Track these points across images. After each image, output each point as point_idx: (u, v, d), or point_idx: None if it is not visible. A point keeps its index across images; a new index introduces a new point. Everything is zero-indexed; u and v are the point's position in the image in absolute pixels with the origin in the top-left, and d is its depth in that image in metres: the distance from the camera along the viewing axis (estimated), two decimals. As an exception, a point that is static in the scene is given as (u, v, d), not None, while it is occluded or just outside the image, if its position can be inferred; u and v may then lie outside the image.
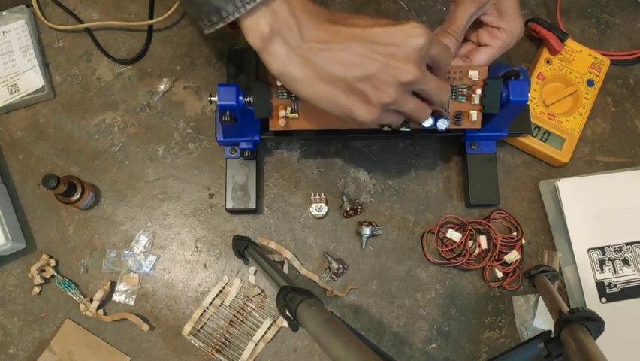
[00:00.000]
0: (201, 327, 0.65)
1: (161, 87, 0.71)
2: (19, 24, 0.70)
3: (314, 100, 0.46)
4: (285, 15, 0.43)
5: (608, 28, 0.75)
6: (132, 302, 0.66)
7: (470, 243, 0.67)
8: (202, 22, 0.46)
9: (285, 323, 0.64)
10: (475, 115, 0.57)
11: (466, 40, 0.60)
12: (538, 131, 0.68)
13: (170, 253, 0.67)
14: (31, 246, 0.67)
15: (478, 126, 0.58)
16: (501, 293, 0.67)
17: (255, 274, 0.67)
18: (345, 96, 0.45)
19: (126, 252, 0.67)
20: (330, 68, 0.44)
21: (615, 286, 0.65)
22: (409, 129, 0.56)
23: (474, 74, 0.56)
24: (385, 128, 0.57)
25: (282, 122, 0.56)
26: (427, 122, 0.54)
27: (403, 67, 0.43)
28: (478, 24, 0.59)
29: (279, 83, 0.55)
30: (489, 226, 0.67)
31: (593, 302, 0.64)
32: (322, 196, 0.68)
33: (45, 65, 0.71)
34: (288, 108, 0.56)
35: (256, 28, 0.43)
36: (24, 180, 0.69)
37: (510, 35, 0.57)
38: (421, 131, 0.57)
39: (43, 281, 0.65)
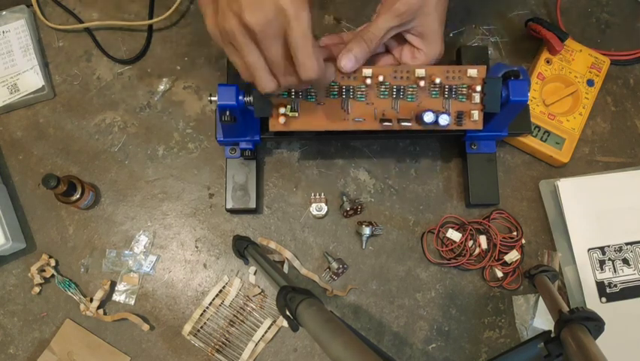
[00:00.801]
0: (201, 327, 0.65)
1: (161, 87, 0.71)
2: (19, 24, 0.70)
3: None
4: None
5: (608, 28, 0.75)
6: (132, 302, 0.66)
7: (470, 243, 0.67)
8: None
9: (285, 323, 0.64)
10: (476, 114, 0.57)
11: (388, 52, 0.61)
12: (538, 131, 0.68)
13: (170, 252, 0.67)
14: (31, 246, 0.67)
15: (480, 127, 0.58)
16: (501, 293, 0.67)
17: (255, 274, 0.67)
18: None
19: (126, 252, 0.67)
20: None
21: (615, 286, 0.65)
22: (409, 124, 0.56)
23: (473, 73, 0.56)
24: (386, 124, 0.56)
25: (281, 119, 0.56)
26: (429, 118, 0.54)
27: (252, 8, 0.42)
28: (403, 41, 0.59)
29: None
30: (489, 226, 0.67)
31: (593, 302, 0.64)
32: (322, 196, 0.68)
33: (45, 64, 0.71)
34: (288, 107, 0.56)
35: None
36: (24, 180, 0.69)
37: (429, 58, 0.58)
38: (421, 128, 0.57)
39: (43, 281, 0.65)
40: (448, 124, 0.55)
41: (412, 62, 0.58)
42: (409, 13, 0.54)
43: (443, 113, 0.55)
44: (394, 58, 0.60)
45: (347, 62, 0.55)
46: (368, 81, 0.56)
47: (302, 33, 0.43)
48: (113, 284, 0.66)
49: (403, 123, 0.56)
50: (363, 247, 0.67)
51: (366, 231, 0.66)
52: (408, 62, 0.58)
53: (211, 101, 0.55)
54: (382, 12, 0.55)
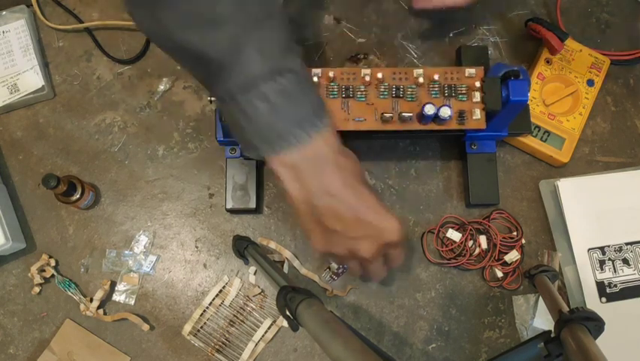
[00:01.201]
0: (201, 327, 0.65)
1: (161, 87, 0.71)
2: (19, 24, 0.70)
3: (294, 203, 0.48)
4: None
5: (608, 28, 0.75)
6: (132, 302, 0.66)
7: (470, 243, 0.67)
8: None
9: (285, 323, 0.64)
10: (478, 112, 0.57)
11: None
12: (538, 131, 0.68)
13: (170, 252, 0.67)
14: (31, 246, 0.67)
15: (483, 126, 0.58)
16: (501, 293, 0.67)
17: (255, 273, 0.67)
18: (313, 223, 0.49)
19: (126, 252, 0.67)
20: (323, 209, 0.47)
21: (615, 286, 0.65)
22: (410, 114, 0.56)
23: (471, 72, 0.56)
24: (386, 115, 0.56)
25: None
26: (430, 110, 0.54)
27: (365, 247, 0.49)
28: None
29: None
30: (489, 226, 0.67)
31: (593, 302, 0.64)
32: (322, 196, 0.67)
33: (45, 64, 0.71)
34: None
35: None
36: (24, 180, 0.69)
37: None
38: (422, 128, 0.57)
39: (43, 281, 0.65)
40: (449, 116, 0.55)
41: None
42: None
43: (444, 105, 0.55)
44: None
45: None
46: (367, 78, 0.56)
47: (401, 254, 0.53)
48: (113, 284, 0.66)
49: (403, 114, 0.56)
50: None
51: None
52: None
53: (211, 101, 0.55)
54: None
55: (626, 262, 0.66)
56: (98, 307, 0.64)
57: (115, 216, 0.68)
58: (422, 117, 0.56)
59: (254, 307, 0.66)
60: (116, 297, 0.66)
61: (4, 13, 0.71)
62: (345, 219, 0.47)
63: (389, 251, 0.51)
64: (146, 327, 0.64)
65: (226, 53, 0.41)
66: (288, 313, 0.45)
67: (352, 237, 0.48)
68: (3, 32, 0.70)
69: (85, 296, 0.65)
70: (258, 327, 0.65)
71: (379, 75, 0.56)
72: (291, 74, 0.43)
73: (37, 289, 0.65)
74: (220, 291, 0.66)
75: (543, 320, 0.64)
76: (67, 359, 0.64)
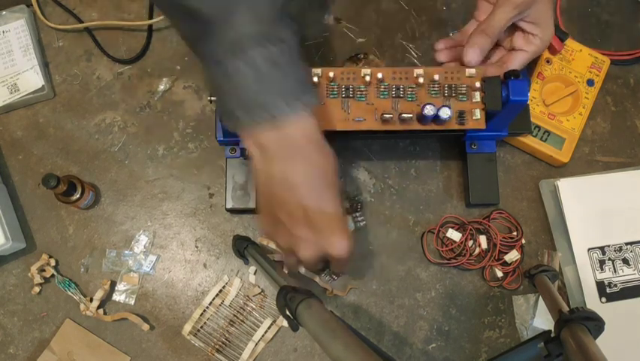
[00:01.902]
0: (201, 327, 0.65)
1: (161, 87, 0.71)
2: (19, 24, 0.70)
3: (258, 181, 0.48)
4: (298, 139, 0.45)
5: (608, 28, 0.75)
6: (132, 302, 0.66)
7: (470, 243, 0.67)
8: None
9: (285, 323, 0.64)
10: (478, 113, 0.57)
11: (497, 45, 0.62)
12: (538, 130, 0.68)
13: (170, 252, 0.67)
14: (31, 246, 0.67)
15: (483, 126, 0.58)
16: (501, 293, 0.67)
17: (255, 273, 0.67)
18: (267, 206, 0.48)
19: (126, 251, 0.67)
20: (277, 183, 0.46)
21: (615, 285, 0.65)
22: (410, 115, 0.56)
23: (471, 72, 0.56)
24: (386, 116, 0.56)
25: None
26: (429, 111, 0.55)
27: (305, 250, 0.48)
28: (511, 30, 0.60)
29: None
30: (489, 226, 0.67)
31: (593, 302, 0.64)
32: (322, 196, 0.67)
33: (45, 64, 0.71)
34: None
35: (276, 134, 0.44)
36: (24, 180, 0.69)
37: (544, 42, 0.60)
38: (422, 127, 0.57)
39: (43, 281, 0.65)
40: (449, 117, 0.55)
41: (526, 48, 0.60)
42: (527, 2, 0.56)
43: (444, 106, 0.55)
44: (504, 49, 0.62)
45: (473, 56, 0.57)
46: (367, 78, 0.56)
47: (343, 266, 0.51)
48: (113, 284, 0.66)
49: (403, 115, 0.56)
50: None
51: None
52: (522, 47, 0.60)
53: (211, 101, 0.55)
54: (500, 3, 0.56)
55: (626, 261, 0.66)
56: (98, 307, 0.64)
57: (115, 216, 0.68)
58: (422, 118, 0.56)
59: (254, 307, 0.66)
60: (116, 297, 0.66)
61: (4, 13, 0.71)
62: (294, 216, 0.46)
63: (331, 260, 0.49)
64: (146, 327, 0.64)
65: (219, 9, 0.40)
66: (288, 313, 0.45)
67: (296, 235, 0.47)
68: (3, 32, 0.70)
69: (85, 296, 0.65)
70: (258, 327, 0.65)
71: (379, 75, 0.56)
72: (282, 44, 0.42)
73: (37, 289, 0.65)
74: (220, 291, 0.66)
75: (543, 320, 0.64)
76: (67, 358, 0.64)
